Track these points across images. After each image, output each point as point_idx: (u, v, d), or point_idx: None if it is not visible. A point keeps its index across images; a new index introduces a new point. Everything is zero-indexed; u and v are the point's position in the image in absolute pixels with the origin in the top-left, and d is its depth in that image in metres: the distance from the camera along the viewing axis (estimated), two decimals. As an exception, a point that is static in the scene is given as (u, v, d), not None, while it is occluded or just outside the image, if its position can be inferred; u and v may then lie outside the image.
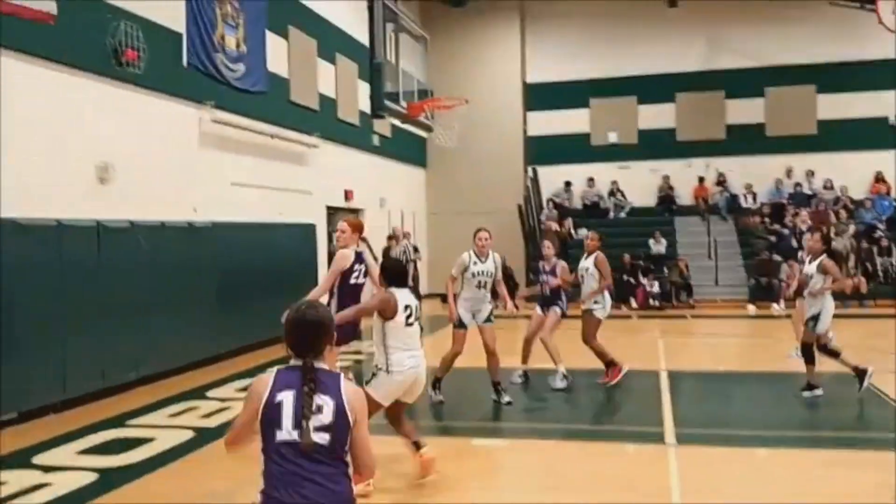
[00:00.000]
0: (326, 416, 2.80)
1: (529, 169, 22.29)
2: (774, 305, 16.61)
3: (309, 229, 14.25)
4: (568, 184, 22.07)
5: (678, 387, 8.82)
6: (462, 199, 21.35)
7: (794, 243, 18.62)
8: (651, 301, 17.76)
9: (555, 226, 20.54)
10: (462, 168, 21.33)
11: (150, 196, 9.90)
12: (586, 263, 9.03)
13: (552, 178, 22.14)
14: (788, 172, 20.87)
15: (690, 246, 19.94)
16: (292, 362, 2.92)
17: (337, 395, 2.85)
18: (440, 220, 21.76)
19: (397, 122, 14.04)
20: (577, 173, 22.03)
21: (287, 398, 2.81)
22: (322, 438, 2.78)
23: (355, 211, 17.23)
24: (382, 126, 17.61)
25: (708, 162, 21.43)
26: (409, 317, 5.31)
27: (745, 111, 21.22)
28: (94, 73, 9.07)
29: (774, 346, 11.48)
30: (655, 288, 17.94)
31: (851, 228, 18.81)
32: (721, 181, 21.24)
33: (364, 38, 13.99)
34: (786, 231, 19.01)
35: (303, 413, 2.78)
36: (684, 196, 21.63)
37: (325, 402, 2.82)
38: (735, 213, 20.60)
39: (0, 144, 7.65)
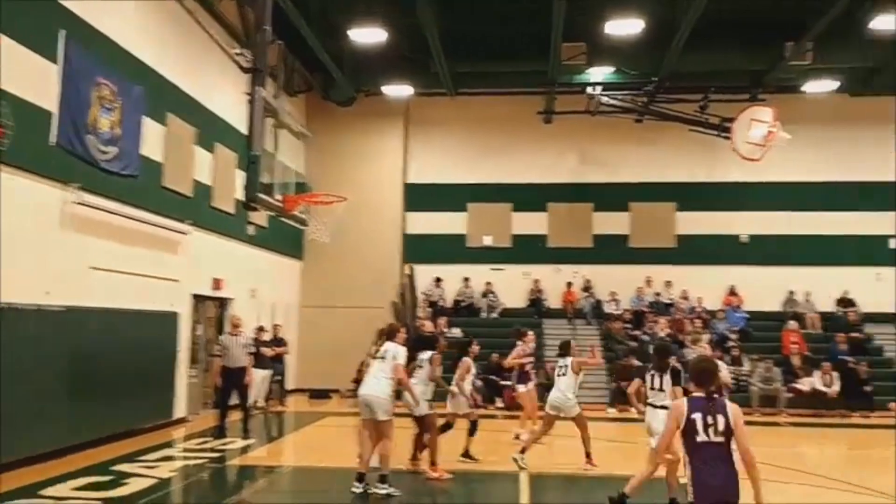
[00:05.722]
0: (720, 426, 4.61)
1: (407, 267, 22.57)
2: (633, 409, 17.09)
3: (172, 318, 13.80)
4: (438, 280, 22.42)
5: (540, 491, 9.06)
6: (337, 294, 21.28)
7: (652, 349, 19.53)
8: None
9: (428, 324, 20.69)
10: (339, 262, 21.33)
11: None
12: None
13: (429, 277, 22.48)
14: (648, 282, 22.08)
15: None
16: (696, 394, 4.78)
17: (724, 412, 4.62)
18: (313, 314, 21.53)
19: (272, 214, 14.01)
20: (452, 273, 22.46)
21: (698, 416, 4.63)
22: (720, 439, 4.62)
23: (223, 300, 16.84)
24: (259, 216, 17.43)
25: (576, 269, 22.40)
26: None
27: (610, 223, 22.43)
28: (-51, 146, 8.62)
29: (635, 450, 11.79)
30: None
31: (706, 337, 19.93)
32: (587, 287, 22.18)
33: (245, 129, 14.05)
34: (646, 337, 19.95)
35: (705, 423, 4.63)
36: (553, 299, 22.41)
37: (717, 419, 4.62)
38: (600, 318, 21.49)
39: None
